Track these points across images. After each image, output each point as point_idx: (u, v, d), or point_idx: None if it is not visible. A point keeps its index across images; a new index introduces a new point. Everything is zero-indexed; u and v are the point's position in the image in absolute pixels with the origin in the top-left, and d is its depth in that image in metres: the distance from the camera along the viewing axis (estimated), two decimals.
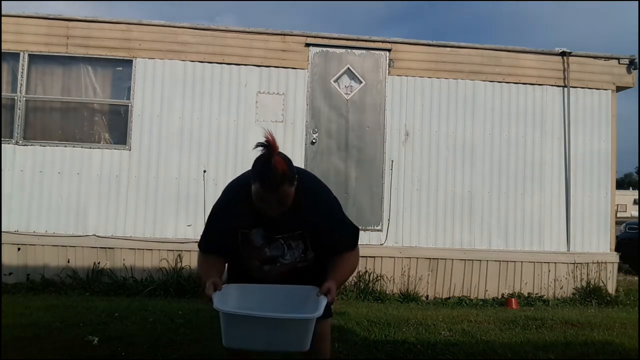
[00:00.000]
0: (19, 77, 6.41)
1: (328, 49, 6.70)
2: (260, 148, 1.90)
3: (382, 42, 6.82)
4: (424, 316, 5.01)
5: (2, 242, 5.98)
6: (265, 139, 1.88)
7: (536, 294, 6.74)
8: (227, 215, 2.14)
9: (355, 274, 6.49)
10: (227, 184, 2.24)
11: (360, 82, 6.72)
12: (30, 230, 6.29)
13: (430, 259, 6.67)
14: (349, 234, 2.20)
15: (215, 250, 2.17)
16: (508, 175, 6.88)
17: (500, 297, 6.64)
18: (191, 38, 6.63)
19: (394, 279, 6.56)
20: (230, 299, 2.04)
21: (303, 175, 2.10)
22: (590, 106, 7.06)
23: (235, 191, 2.15)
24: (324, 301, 1.96)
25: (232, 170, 6.30)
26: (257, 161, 1.93)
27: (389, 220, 6.63)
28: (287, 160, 1.94)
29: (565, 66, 6.99)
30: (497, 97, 6.93)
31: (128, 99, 6.54)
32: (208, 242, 2.19)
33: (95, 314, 4.49)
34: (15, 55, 6.41)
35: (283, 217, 2.01)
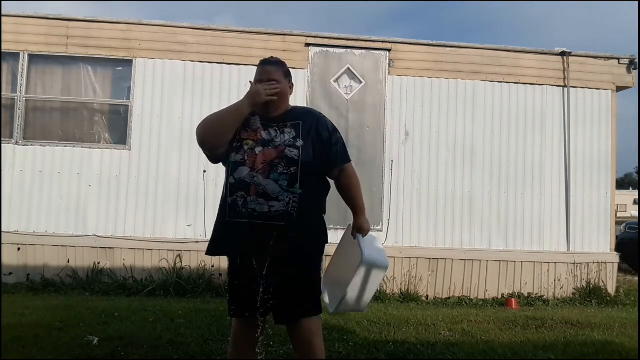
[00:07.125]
0: (19, 77, 6.41)
1: (328, 49, 6.70)
2: None
3: (382, 42, 6.83)
4: (424, 316, 5.01)
5: (2, 242, 5.99)
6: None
7: (536, 294, 6.74)
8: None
9: None
10: None
11: (360, 82, 6.71)
12: (30, 230, 6.30)
13: (430, 259, 6.67)
14: (343, 149, 2.58)
15: None
16: (508, 175, 6.88)
17: (500, 297, 6.64)
18: (191, 38, 6.63)
19: (394, 279, 6.56)
20: None
21: (312, 108, 2.81)
22: (590, 106, 7.06)
23: None
24: (361, 240, 2.62)
25: None
26: None
27: (389, 220, 6.63)
28: (282, 62, 2.61)
29: (565, 66, 6.99)
30: (497, 97, 6.93)
31: (128, 99, 6.55)
32: None
33: (95, 314, 4.49)
34: (15, 55, 6.42)
35: (280, 117, 2.49)
